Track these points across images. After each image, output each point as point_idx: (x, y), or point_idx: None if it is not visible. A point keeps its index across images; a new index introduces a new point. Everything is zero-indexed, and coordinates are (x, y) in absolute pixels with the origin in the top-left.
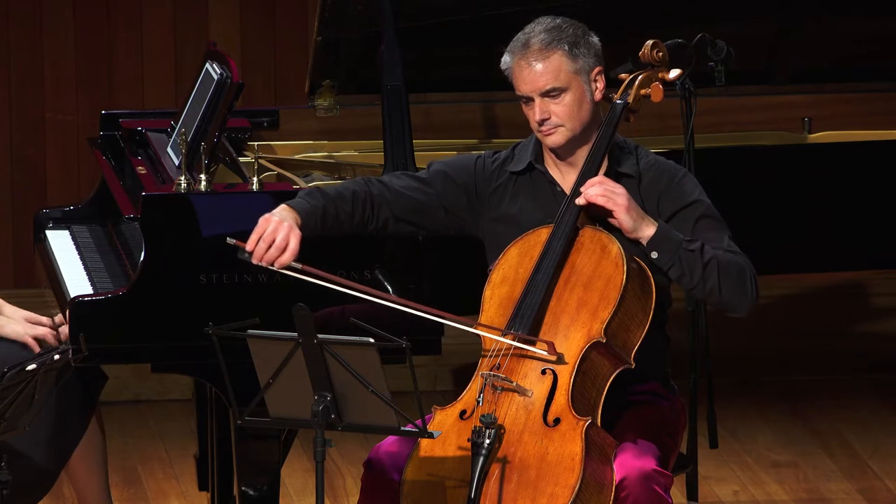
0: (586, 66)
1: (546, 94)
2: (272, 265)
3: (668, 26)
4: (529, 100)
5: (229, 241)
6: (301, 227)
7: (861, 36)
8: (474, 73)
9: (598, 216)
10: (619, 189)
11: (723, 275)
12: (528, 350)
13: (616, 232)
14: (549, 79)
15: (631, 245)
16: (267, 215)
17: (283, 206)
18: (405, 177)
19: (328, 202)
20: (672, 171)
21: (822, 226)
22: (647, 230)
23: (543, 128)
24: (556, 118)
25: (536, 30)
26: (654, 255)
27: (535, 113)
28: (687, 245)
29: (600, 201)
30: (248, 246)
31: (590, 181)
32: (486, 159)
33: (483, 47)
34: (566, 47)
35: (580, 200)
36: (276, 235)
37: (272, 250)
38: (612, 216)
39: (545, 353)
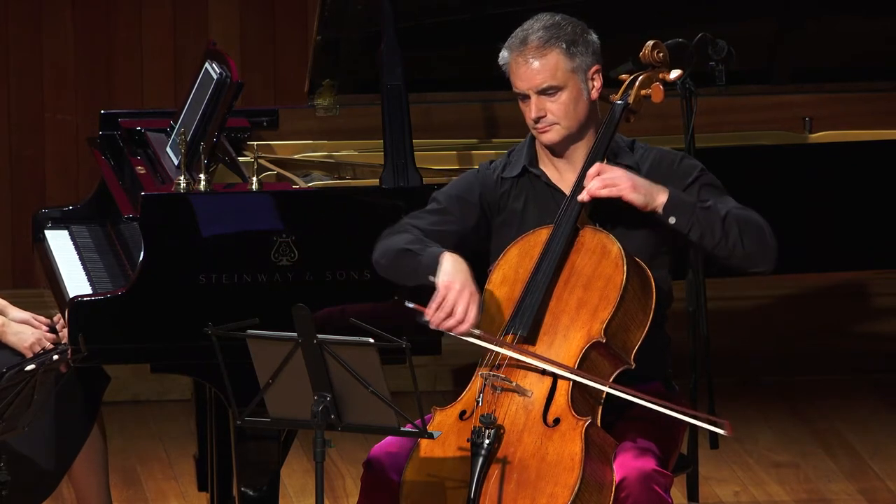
0: (583, 65)
1: (542, 91)
2: (450, 331)
3: (668, 26)
4: (525, 97)
5: (408, 304)
6: None
7: (862, 35)
8: (474, 72)
9: (608, 204)
10: (617, 172)
11: (743, 227)
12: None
13: (624, 222)
14: (545, 76)
15: (644, 225)
16: (447, 281)
17: (452, 259)
18: (425, 214)
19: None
20: (671, 156)
21: (822, 226)
22: (660, 199)
23: (539, 125)
24: (552, 116)
25: (535, 27)
26: (672, 219)
27: (530, 110)
28: (701, 204)
29: (604, 193)
30: (427, 314)
31: (588, 174)
32: (484, 171)
33: (483, 47)
34: (564, 45)
35: (583, 197)
36: (456, 306)
37: (451, 321)
38: (622, 200)
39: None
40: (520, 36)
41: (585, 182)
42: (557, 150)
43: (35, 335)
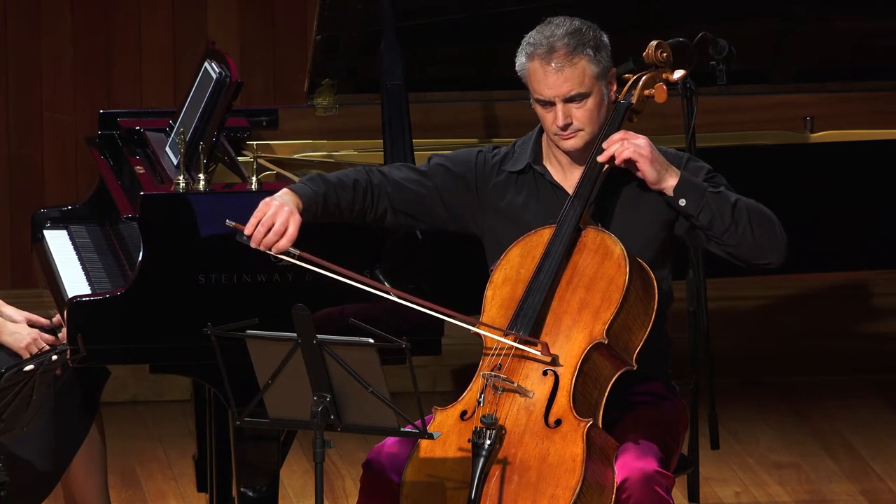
0: (605, 70)
1: (569, 99)
2: (269, 250)
3: (669, 26)
4: (549, 104)
5: (228, 223)
6: (302, 213)
7: (863, 34)
8: (474, 72)
9: (610, 204)
10: (642, 140)
11: (753, 215)
12: (526, 351)
13: (626, 222)
14: (573, 84)
15: (654, 205)
16: (268, 199)
17: (284, 190)
18: (405, 168)
19: (329, 189)
20: (678, 158)
21: (823, 225)
22: (671, 180)
23: (565, 132)
24: (578, 122)
25: (557, 33)
26: (682, 202)
27: (556, 117)
28: (712, 189)
29: (626, 155)
30: (247, 230)
31: (611, 138)
32: (486, 154)
33: (483, 47)
34: (591, 52)
35: (602, 157)
36: (275, 219)
37: (270, 235)
38: (636, 169)
39: (538, 353)
40: (544, 43)
41: (606, 144)
42: (575, 154)
43: (31, 335)
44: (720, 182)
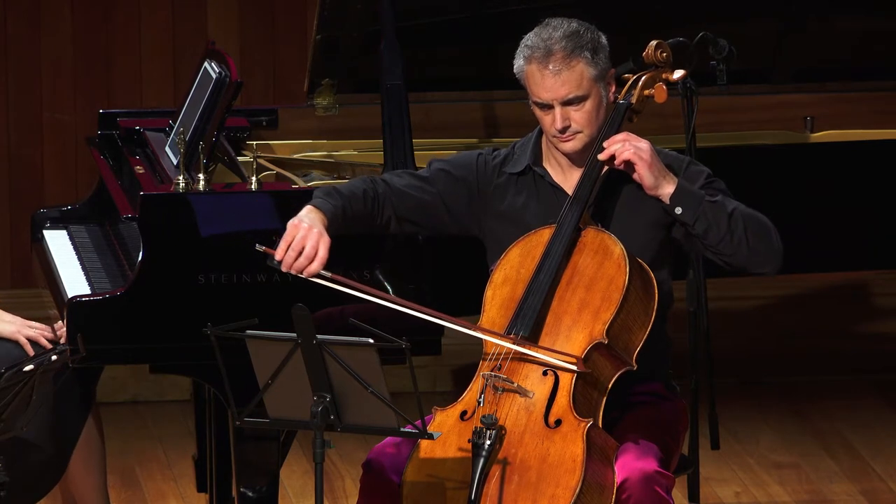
0: (603, 72)
1: (567, 102)
2: (301, 274)
3: (669, 26)
4: (547, 107)
5: (258, 247)
6: (327, 229)
7: (864, 34)
8: (474, 72)
9: (610, 204)
10: (644, 143)
11: (749, 224)
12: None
13: (626, 222)
14: (572, 87)
15: (651, 206)
16: (295, 221)
17: (309, 209)
18: (407, 175)
19: (345, 201)
20: (678, 162)
21: (823, 225)
22: (668, 187)
23: (564, 135)
24: (576, 125)
25: (555, 35)
26: (679, 210)
27: (554, 120)
28: (709, 198)
29: (626, 156)
30: (278, 255)
31: (613, 138)
32: (486, 156)
33: (483, 47)
34: (589, 55)
35: (603, 156)
36: (305, 243)
37: (301, 259)
38: (634, 171)
39: (573, 367)
40: (541, 46)
41: (608, 143)
42: (574, 156)
43: (19, 321)
44: (719, 188)
